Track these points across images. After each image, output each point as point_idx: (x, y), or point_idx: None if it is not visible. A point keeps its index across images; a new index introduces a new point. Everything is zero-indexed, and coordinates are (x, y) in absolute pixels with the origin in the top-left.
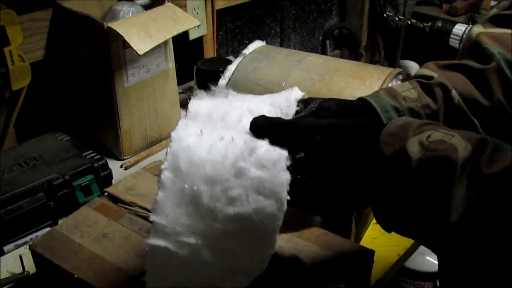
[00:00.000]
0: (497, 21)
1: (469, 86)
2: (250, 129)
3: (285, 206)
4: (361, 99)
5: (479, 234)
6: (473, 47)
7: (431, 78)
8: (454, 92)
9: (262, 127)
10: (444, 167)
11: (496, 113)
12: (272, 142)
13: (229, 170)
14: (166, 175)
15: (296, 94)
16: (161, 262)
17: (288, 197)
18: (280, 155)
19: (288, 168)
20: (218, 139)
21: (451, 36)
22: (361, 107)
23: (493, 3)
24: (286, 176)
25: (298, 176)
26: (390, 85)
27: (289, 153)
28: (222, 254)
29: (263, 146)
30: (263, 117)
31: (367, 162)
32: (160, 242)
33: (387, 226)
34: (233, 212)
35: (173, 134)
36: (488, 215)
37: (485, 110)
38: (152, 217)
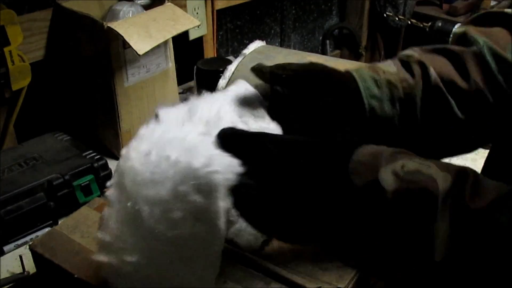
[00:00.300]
0: (479, 21)
1: (448, 67)
2: (217, 140)
3: (222, 233)
4: (345, 71)
5: (467, 269)
6: (460, 38)
7: (411, 56)
8: (432, 70)
9: (226, 139)
10: (424, 200)
11: (474, 96)
12: (235, 155)
13: (170, 193)
14: (111, 192)
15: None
16: (109, 276)
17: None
18: (222, 180)
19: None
20: (164, 158)
21: (451, 36)
22: (343, 76)
23: (493, 3)
24: (223, 205)
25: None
26: None
27: (246, 165)
28: (165, 273)
29: (208, 168)
30: (230, 129)
31: (334, 191)
32: (104, 258)
33: (356, 264)
34: (172, 234)
35: (122, 151)
36: (475, 251)
37: (462, 92)
38: (98, 233)
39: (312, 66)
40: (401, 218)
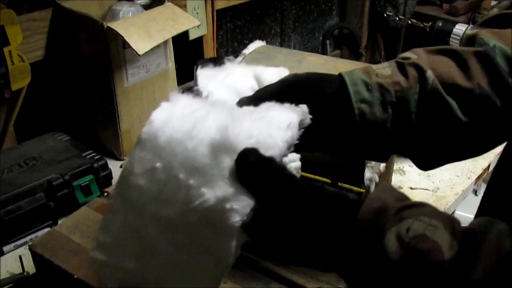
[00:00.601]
0: (492, 23)
1: (450, 68)
2: (237, 160)
3: (228, 267)
4: (339, 74)
5: None
6: (470, 39)
7: (408, 59)
8: (429, 73)
9: (247, 168)
10: (429, 274)
11: (478, 98)
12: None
13: (177, 216)
14: (115, 199)
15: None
16: (101, 274)
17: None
18: (238, 221)
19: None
20: (172, 177)
21: (452, 36)
22: (334, 80)
23: (493, 3)
24: (235, 244)
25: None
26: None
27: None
28: (161, 285)
29: (224, 204)
30: (254, 155)
31: (340, 246)
32: (101, 257)
33: None
34: (174, 254)
35: (125, 162)
36: None
37: (465, 92)
38: (99, 233)
39: (295, 78)
40: (404, 282)
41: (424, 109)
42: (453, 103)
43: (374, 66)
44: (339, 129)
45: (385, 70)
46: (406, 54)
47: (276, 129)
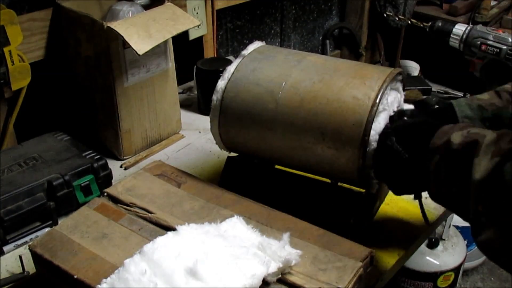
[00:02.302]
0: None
1: None
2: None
3: None
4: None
5: (499, 191)
6: None
7: (504, 87)
8: None
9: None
10: (472, 145)
11: None
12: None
13: None
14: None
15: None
16: None
17: None
18: None
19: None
20: (154, 284)
21: (451, 36)
22: (445, 108)
23: (493, 3)
24: None
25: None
26: (390, 85)
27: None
28: None
29: None
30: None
31: (424, 150)
32: None
33: (439, 200)
34: None
35: (126, 261)
36: (505, 174)
37: None
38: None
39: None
40: (456, 158)
41: None
42: None
43: (475, 96)
44: None
45: (483, 95)
46: (504, 86)
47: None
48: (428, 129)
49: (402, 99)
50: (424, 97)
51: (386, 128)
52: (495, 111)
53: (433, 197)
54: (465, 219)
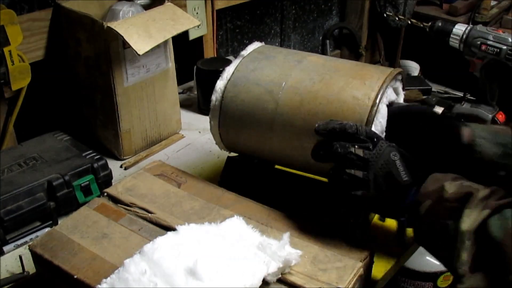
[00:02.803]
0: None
1: None
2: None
3: None
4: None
5: (484, 243)
6: None
7: None
8: None
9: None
10: (465, 197)
11: None
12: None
13: None
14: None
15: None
16: None
17: None
18: None
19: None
20: (154, 284)
21: (451, 36)
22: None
23: (493, 3)
24: None
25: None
26: (389, 85)
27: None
28: None
29: None
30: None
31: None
32: None
33: (423, 243)
34: None
35: (126, 261)
36: (489, 227)
37: None
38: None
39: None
40: (448, 206)
41: None
42: None
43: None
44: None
45: (499, 125)
46: None
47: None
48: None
49: (402, 99)
50: (424, 97)
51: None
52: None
53: (417, 239)
54: (447, 266)
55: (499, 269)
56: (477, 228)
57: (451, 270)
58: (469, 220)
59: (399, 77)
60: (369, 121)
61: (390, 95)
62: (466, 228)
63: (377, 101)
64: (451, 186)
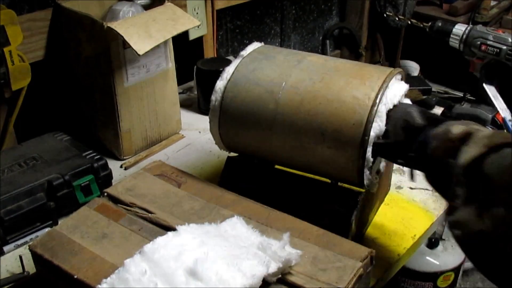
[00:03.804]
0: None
1: None
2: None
3: None
4: None
5: (477, 180)
6: None
7: None
8: None
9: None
10: (466, 136)
11: None
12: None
13: None
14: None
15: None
16: None
17: None
18: None
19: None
20: (154, 283)
21: (451, 36)
22: None
23: (493, 3)
24: None
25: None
26: (389, 85)
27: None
28: None
29: None
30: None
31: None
32: None
33: (430, 182)
34: None
35: (126, 261)
36: (485, 165)
37: None
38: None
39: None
40: (453, 144)
41: None
42: None
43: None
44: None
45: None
46: None
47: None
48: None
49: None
50: (424, 97)
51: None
52: None
53: (428, 179)
54: (446, 199)
55: (487, 203)
56: (472, 163)
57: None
58: (466, 156)
59: (398, 76)
60: (369, 120)
61: (389, 95)
62: (462, 163)
63: (377, 101)
64: (457, 128)
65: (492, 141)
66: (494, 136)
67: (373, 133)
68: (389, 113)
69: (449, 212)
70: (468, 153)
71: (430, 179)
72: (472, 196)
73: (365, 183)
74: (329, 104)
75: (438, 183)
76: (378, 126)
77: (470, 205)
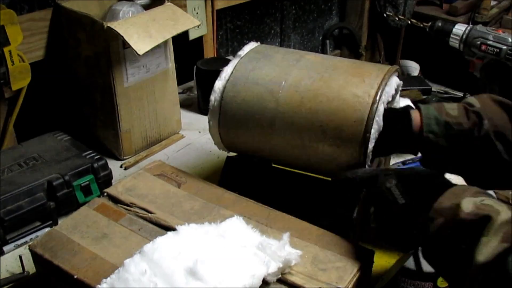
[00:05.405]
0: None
1: (504, 121)
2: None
3: None
4: (416, 105)
5: (500, 280)
6: None
7: (473, 106)
8: (486, 122)
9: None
10: (483, 221)
11: None
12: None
13: None
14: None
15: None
16: None
17: None
18: None
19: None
20: (153, 283)
21: (451, 36)
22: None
23: (493, 3)
24: None
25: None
26: (388, 83)
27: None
28: None
29: None
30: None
31: (425, 204)
32: None
33: (431, 262)
34: None
35: (126, 261)
36: (508, 264)
37: (510, 141)
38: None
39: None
40: (463, 230)
41: (476, 146)
42: (500, 146)
43: (446, 105)
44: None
45: (453, 111)
46: (473, 100)
47: (242, 275)
48: (435, 184)
49: (398, 95)
50: (424, 97)
51: (385, 170)
52: (461, 132)
53: (426, 257)
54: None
55: None
56: (494, 262)
57: None
58: (486, 251)
59: (396, 74)
60: (370, 118)
61: (389, 93)
62: (482, 260)
63: (377, 98)
64: (469, 205)
65: None
66: None
67: (373, 130)
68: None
69: None
70: (488, 248)
71: (430, 258)
72: None
73: None
74: (329, 102)
75: (440, 264)
76: (377, 122)
77: None
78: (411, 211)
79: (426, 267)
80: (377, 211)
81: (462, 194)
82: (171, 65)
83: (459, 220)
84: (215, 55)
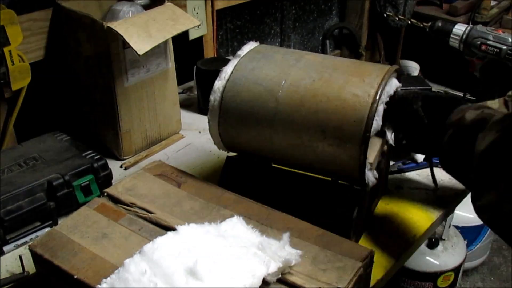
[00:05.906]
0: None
1: None
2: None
3: None
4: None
5: (500, 161)
6: None
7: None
8: None
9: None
10: (481, 122)
11: None
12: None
13: None
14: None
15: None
16: None
17: None
18: None
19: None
20: (153, 283)
21: (451, 36)
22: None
23: (493, 3)
24: None
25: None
26: (388, 83)
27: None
28: None
29: None
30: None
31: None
32: None
33: (447, 169)
34: None
35: (126, 261)
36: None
37: None
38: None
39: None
40: (464, 131)
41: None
42: None
43: (487, 103)
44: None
45: (494, 103)
46: None
47: (242, 275)
48: (451, 105)
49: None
50: None
51: (412, 92)
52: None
53: (443, 165)
54: (467, 187)
55: (509, 184)
56: (491, 147)
57: (470, 190)
58: (484, 142)
59: (395, 74)
60: (370, 118)
61: (389, 93)
62: (481, 148)
63: (377, 98)
64: (470, 114)
65: (506, 125)
66: (507, 119)
67: (373, 130)
68: (390, 106)
69: (474, 198)
70: (486, 139)
71: (447, 166)
72: (493, 180)
73: (366, 179)
74: (329, 102)
75: (456, 170)
76: (376, 122)
77: (493, 189)
78: (432, 129)
79: (426, 267)
80: (407, 128)
81: (467, 109)
82: (171, 65)
83: (463, 126)
84: (215, 55)
